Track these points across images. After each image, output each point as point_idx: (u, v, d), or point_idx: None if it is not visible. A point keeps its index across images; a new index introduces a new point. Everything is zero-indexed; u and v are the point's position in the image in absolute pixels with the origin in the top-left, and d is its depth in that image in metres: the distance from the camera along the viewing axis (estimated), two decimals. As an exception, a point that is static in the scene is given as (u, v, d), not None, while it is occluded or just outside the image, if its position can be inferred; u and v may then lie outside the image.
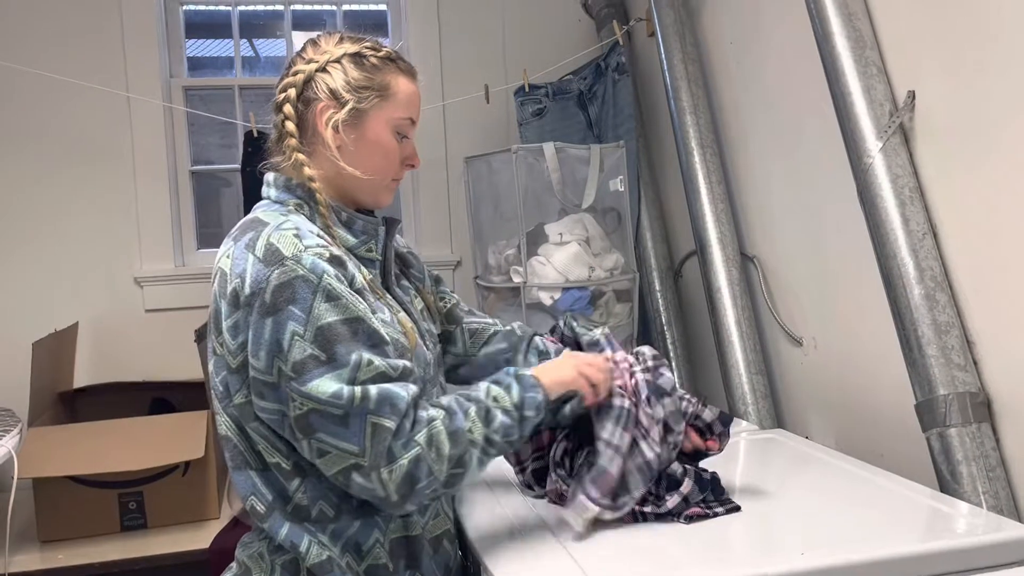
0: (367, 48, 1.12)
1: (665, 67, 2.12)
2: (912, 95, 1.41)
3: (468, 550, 1.18)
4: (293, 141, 1.10)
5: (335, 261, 1.03)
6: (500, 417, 1.06)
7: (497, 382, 1.09)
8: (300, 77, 1.11)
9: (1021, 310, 1.24)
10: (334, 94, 1.09)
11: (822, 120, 1.62)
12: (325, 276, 1.00)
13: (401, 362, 1.03)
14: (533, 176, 2.01)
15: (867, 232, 1.45)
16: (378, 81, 1.11)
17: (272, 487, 1.06)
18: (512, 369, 1.12)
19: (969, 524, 1.13)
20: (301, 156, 1.09)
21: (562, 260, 1.99)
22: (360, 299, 1.03)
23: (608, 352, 1.21)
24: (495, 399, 1.07)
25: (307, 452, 1.00)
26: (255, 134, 2.39)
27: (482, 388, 1.08)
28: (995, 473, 1.25)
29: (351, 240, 1.12)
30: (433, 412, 1.03)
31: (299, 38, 2.75)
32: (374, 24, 2.79)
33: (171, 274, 2.51)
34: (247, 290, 1.00)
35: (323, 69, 1.10)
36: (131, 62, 2.47)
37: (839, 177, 1.57)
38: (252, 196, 2.44)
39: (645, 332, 2.31)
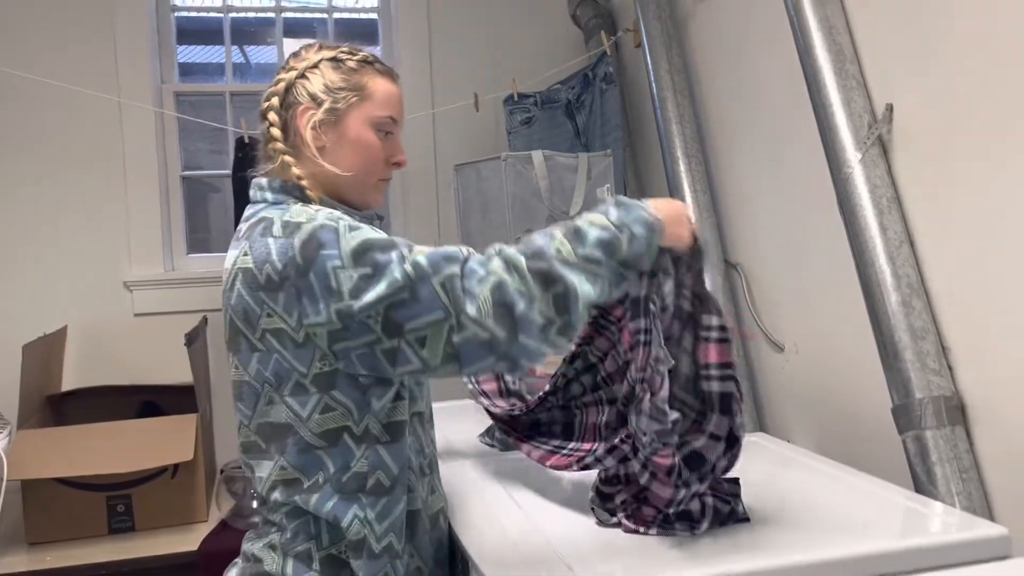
0: (343, 53, 1.18)
1: (652, 78, 2.16)
2: (890, 108, 1.45)
3: (455, 544, 1.21)
4: (279, 144, 1.15)
5: (349, 218, 1.07)
6: (595, 233, 1.03)
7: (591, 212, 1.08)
8: (282, 85, 1.17)
9: (994, 317, 1.28)
10: (313, 97, 1.15)
11: (804, 131, 1.66)
12: (342, 220, 1.05)
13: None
14: (521, 183, 2.03)
15: (847, 241, 1.49)
16: (355, 82, 1.16)
17: (334, 458, 1.07)
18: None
19: (943, 523, 1.16)
20: (288, 157, 1.14)
21: (549, 266, 2.02)
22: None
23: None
24: (588, 221, 1.05)
25: (412, 355, 1.00)
26: (246, 140, 2.41)
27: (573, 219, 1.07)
28: (968, 474, 1.28)
29: None
30: (505, 247, 1.04)
31: (290, 45, 2.77)
32: (365, 32, 2.82)
33: (161, 278, 2.52)
34: (279, 265, 1.03)
35: (302, 75, 1.16)
36: (123, 67, 2.49)
37: (820, 187, 1.61)
38: (242, 201, 2.46)
39: (631, 338, 2.33)
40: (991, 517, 1.26)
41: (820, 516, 1.18)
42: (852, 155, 1.45)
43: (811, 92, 1.54)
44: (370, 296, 0.98)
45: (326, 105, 1.14)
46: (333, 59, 1.16)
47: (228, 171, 2.54)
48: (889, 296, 1.39)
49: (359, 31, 2.84)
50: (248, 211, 1.16)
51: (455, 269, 1.00)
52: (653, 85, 2.16)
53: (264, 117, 1.17)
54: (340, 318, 1.00)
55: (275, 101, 1.16)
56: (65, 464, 1.90)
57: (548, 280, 0.99)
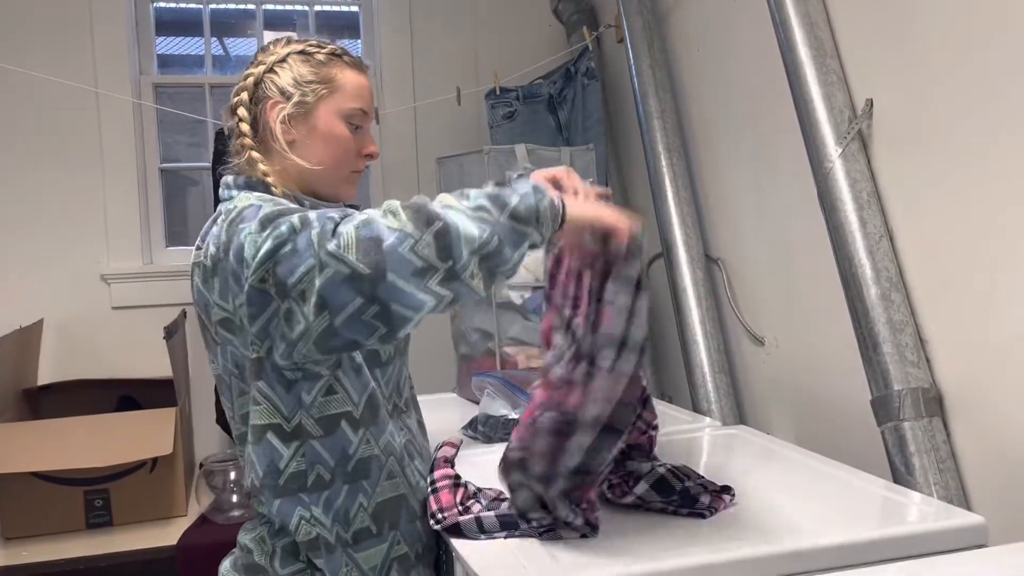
0: (312, 46, 1.18)
1: (633, 72, 2.17)
2: (870, 103, 1.47)
3: (443, 544, 1.21)
4: (247, 140, 1.15)
5: (286, 202, 1.07)
6: (480, 191, 0.95)
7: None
8: (250, 80, 1.16)
9: (971, 310, 1.30)
10: (282, 91, 1.14)
11: (785, 126, 1.68)
12: (272, 201, 1.04)
13: None
14: (504, 177, 2.03)
15: (827, 235, 1.50)
16: (324, 74, 1.16)
17: (265, 458, 1.07)
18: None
19: (921, 512, 1.17)
20: (254, 153, 1.14)
21: (532, 260, 2.02)
22: None
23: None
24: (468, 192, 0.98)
25: (299, 315, 0.91)
26: (226, 132, 2.39)
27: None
28: (946, 465, 1.30)
29: None
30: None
31: (270, 37, 2.74)
32: (346, 25, 2.81)
33: (139, 271, 2.50)
34: (212, 250, 1.05)
35: (271, 70, 1.16)
36: (100, 58, 2.46)
37: (801, 182, 1.63)
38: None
39: (612, 332, 2.34)
40: (968, 507, 1.28)
41: (800, 506, 1.20)
42: (832, 150, 1.47)
43: (792, 87, 1.55)
44: (260, 254, 0.93)
45: (295, 98, 1.14)
46: (301, 52, 1.16)
47: (207, 163, 2.51)
48: (868, 289, 1.40)
49: (341, 24, 2.83)
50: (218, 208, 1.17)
51: (334, 216, 0.93)
52: (635, 80, 2.16)
53: (234, 112, 1.17)
54: (250, 288, 0.96)
55: (244, 96, 1.16)
56: (42, 458, 1.88)
57: (427, 219, 0.90)
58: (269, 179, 1.13)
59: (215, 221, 1.08)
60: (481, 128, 2.66)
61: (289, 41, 1.19)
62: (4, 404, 2.04)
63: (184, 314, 2.43)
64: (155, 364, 2.28)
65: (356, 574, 1.11)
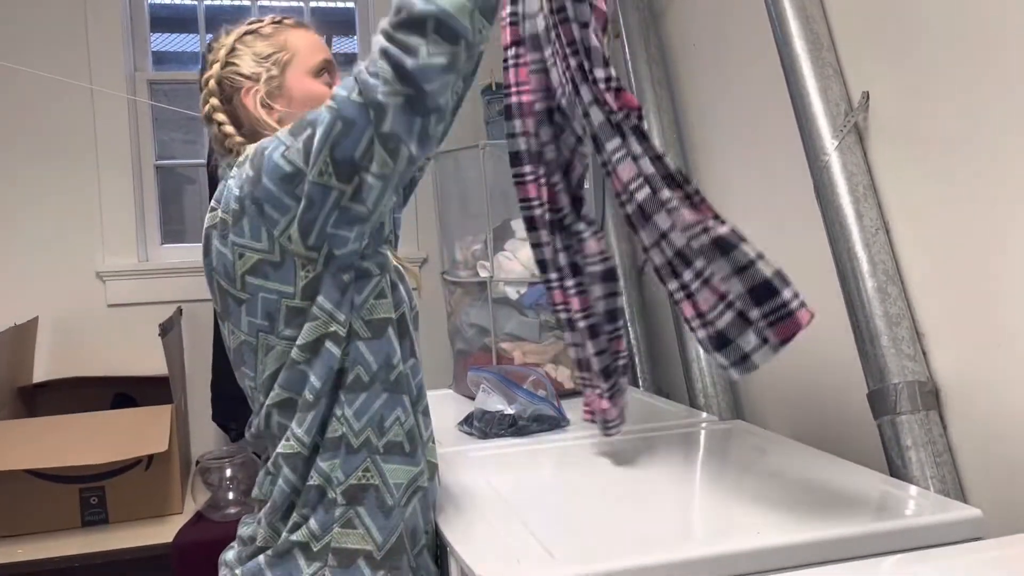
0: (253, 23, 1.19)
1: (630, 68, 2.16)
2: (866, 95, 1.46)
3: (436, 534, 1.20)
4: (237, 138, 1.14)
5: None
6: None
7: None
8: (212, 83, 1.16)
9: (968, 303, 1.30)
10: (248, 76, 1.15)
11: (781, 120, 1.67)
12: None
13: None
14: (500, 172, 2.03)
15: (823, 228, 1.50)
16: (278, 42, 1.17)
17: (315, 369, 1.07)
18: None
19: (918, 505, 1.17)
20: (248, 146, 1.13)
21: (528, 255, 2.01)
22: None
23: None
24: None
25: (373, 179, 1.00)
26: (210, 140, 2.38)
27: None
28: (942, 458, 1.30)
29: None
30: None
31: (266, 34, 2.74)
32: (341, 21, 2.80)
33: (134, 269, 2.49)
34: (236, 192, 1.05)
35: (227, 63, 1.15)
36: (95, 54, 2.45)
37: (797, 175, 1.62)
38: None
39: (609, 328, 2.34)
40: (964, 500, 1.28)
41: (796, 500, 1.19)
42: (829, 143, 1.46)
43: (788, 80, 1.55)
44: (313, 147, 0.99)
45: (264, 76, 1.14)
46: (247, 32, 1.17)
47: (203, 160, 2.51)
48: (865, 283, 1.40)
49: (336, 20, 2.82)
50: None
51: (359, 74, 0.99)
52: (631, 76, 2.16)
53: (210, 120, 1.16)
54: (303, 196, 1.00)
55: (214, 101, 1.15)
56: (37, 455, 1.88)
57: (418, 25, 0.96)
58: None
59: (226, 183, 1.08)
60: (477, 124, 2.65)
61: (228, 31, 1.19)
62: (0, 402, 2.03)
63: (180, 311, 2.42)
64: (151, 361, 2.27)
65: (376, 480, 1.09)
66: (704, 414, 1.79)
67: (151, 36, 2.62)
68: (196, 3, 2.66)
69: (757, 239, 1.86)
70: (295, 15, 1.23)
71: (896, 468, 1.33)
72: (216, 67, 1.15)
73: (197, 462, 2.12)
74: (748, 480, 1.31)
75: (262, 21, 1.18)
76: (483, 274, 2.04)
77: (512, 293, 2.01)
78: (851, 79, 1.50)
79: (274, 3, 2.75)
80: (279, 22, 1.19)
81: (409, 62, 0.95)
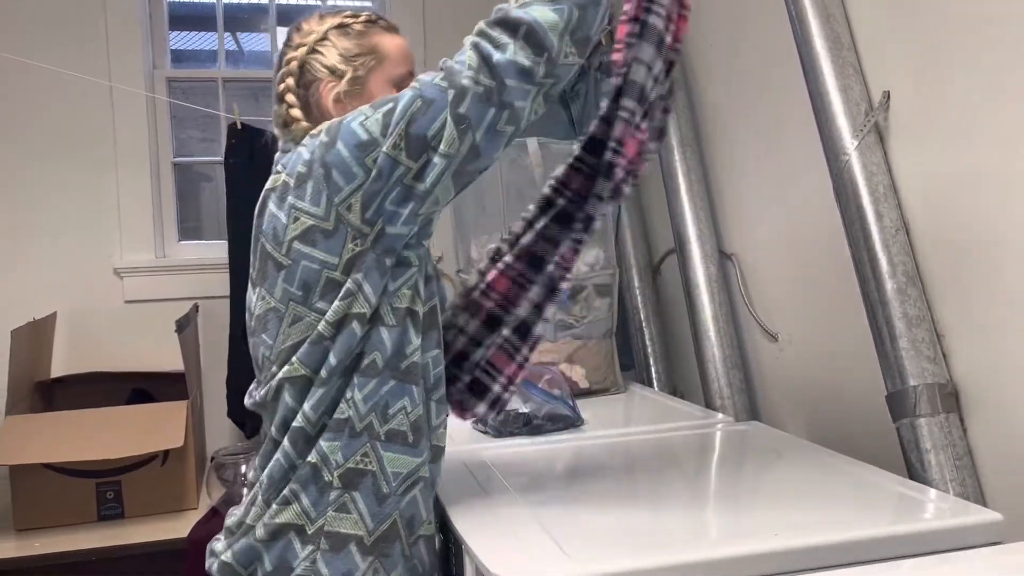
0: (348, 17, 1.18)
1: (647, 67, 2.15)
2: (887, 95, 1.45)
3: (450, 532, 1.20)
4: (303, 124, 1.14)
5: None
6: None
7: None
8: (294, 64, 1.16)
9: (989, 304, 1.28)
10: (332, 70, 1.15)
11: (800, 120, 1.66)
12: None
13: None
14: (516, 171, 2.03)
15: (842, 230, 1.48)
16: (368, 45, 1.16)
17: (337, 346, 1.08)
18: None
19: (937, 509, 1.16)
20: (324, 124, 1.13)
21: (543, 254, 2.01)
22: None
23: None
24: None
25: (439, 158, 1.04)
26: (239, 126, 2.39)
27: None
28: (962, 461, 1.28)
29: None
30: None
31: (283, 33, 2.75)
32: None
33: (151, 265, 2.50)
34: (307, 156, 1.07)
35: (313, 50, 1.15)
36: (114, 52, 2.47)
37: (816, 176, 1.61)
38: (235, 188, 2.45)
39: (624, 328, 2.33)
40: (984, 503, 1.26)
41: (813, 502, 1.18)
42: (848, 143, 1.45)
43: (808, 80, 1.54)
44: (393, 119, 1.03)
45: (348, 75, 1.14)
46: (340, 26, 1.16)
47: (220, 158, 2.52)
48: (884, 284, 1.39)
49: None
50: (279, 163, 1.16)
51: (445, 63, 1.07)
52: (649, 74, 2.15)
53: (281, 99, 1.16)
54: (373, 167, 1.03)
55: (291, 81, 1.15)
56: (54, 450, 1.89)
57: (511, 26, 1.05)
58: None
59: (292, 153, 1.10)
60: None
61: (322, 17, 1.18)
62: (18, 396, 2.05)
63: (196, 308, 2.43)
64: (167, 358, 2.28)
65: (373, 466, 1.09)
66: (720, 415, 1.78)
67: (170, 34, 2.63)
68: (215, 1, 2.68)
69: (775, 242, 1.86)
70: (385, 18, 1.23)
71: (915, 471, 1.31)
72: (302, 51, 1.15)
73: (212, 458, 2.13)
74: (765, 482, 1.30)
75: (357, 17, 1.18)
76: (498, 273, 2.04)
77: (527, 292, 2.01)
78: (871, 78, 1.49)
79: (291, 1, 2.76)
80: (373, 22, 1.19)
81: (496, 55, 1.03)
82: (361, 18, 1.18)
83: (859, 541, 1.05)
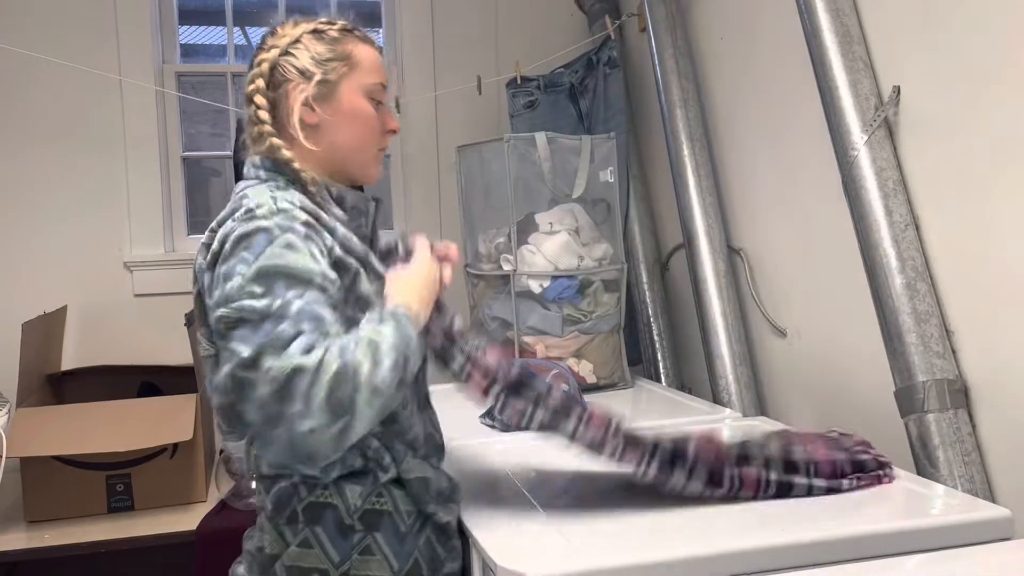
0: (323, 23, 1.16)
1: (656, 61, 2.15)
2: (897, 90, 1.44)
3: (459, 530, 1.20)
4: (267, 127, 1.11)
5: (310, 226, 1.03)
6: (383, 343, 0.98)
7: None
8: (265, 66, 1.12)
9: (999, 300, 1.28)
10: (302, 72, 1.11)
11: (809, 114, 1.65)
12: (290, 233, 1.00)
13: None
14: (524, 166, 2.02)
15: (851, 225, 1.48)
16: (340, 51, 1.14)
17: None
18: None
19: (945, 505, 1.16)
20: (275, 140, 1.10)
21: (552, 249, 2.01)
22: (321, 265, 1.02)
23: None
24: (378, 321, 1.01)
25: (216, 371, 1.00)
26: (242, 121, 2.40)
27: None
28: (971, 458, 1.28)
29: (342, 216, 1.13)
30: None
31: (292, 27, 2.75)
32: (368, 14, 2.80)
33: (161, 259, 2.51)
34: (216, 247, 1.02)
35: (286, 52, 1.12)
36: (124, 46, 2.47)
37: (825, 171, 1.61)
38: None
39: (632, 323, 2.33)
40: (993, 500, 1.26)
41: (821, 497, 1.18)
42: (858, 137, 1.44)
43: (817, 74, 1.53)
44: (234, 305, 0.96)
45: (317, 77, 1.11)
46: (314, 31, 1.14)
47: (229, 152, 2.52)
48: (893, 279, 1.38)
49: (362, 13, 2.82)
50: (239, 186, 1.14)
51: (305, 327, 0.95)
52: (657, 69, 2.15)
53: (251, 101, 1.13)
54: (215, 320, 0.98)
55: (260, 83, 1.12)
56: (64, 442, 1.90)
57: (339, 407, 0.93)
58: (295, 164, 1.10)
59: (234, 212, 1.04)
60: (502, 117, 2.65)
61: (297, 22, 1.16)
62: (28, 389, 2.06)
63: (205, 302, 2.44)
64: (176, 351, 2.29)
65: (388, 506, 1.10)
66: (727, 410, 1.78)
67: (179, 28, 2.64)
68: (224, -4, 2.68)
69: (783, 237, 1.85)
70: (389, 45, 1.21)
71: (923, 467, 1.31)
72: (274, 52, 1.13)
73: (221, 451, 2.14)
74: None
75: (333, 24, 1.16)
76: (506, 267, 2.04)
77: (535, 287, 2.01)
78: (881, 73, 1.48)
79: (300, -4, 2.76)
80: (349, 31, 1.17)
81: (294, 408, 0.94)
82: (336, 25, 1.16)
83: (866, 536, 1.05)
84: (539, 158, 2.02)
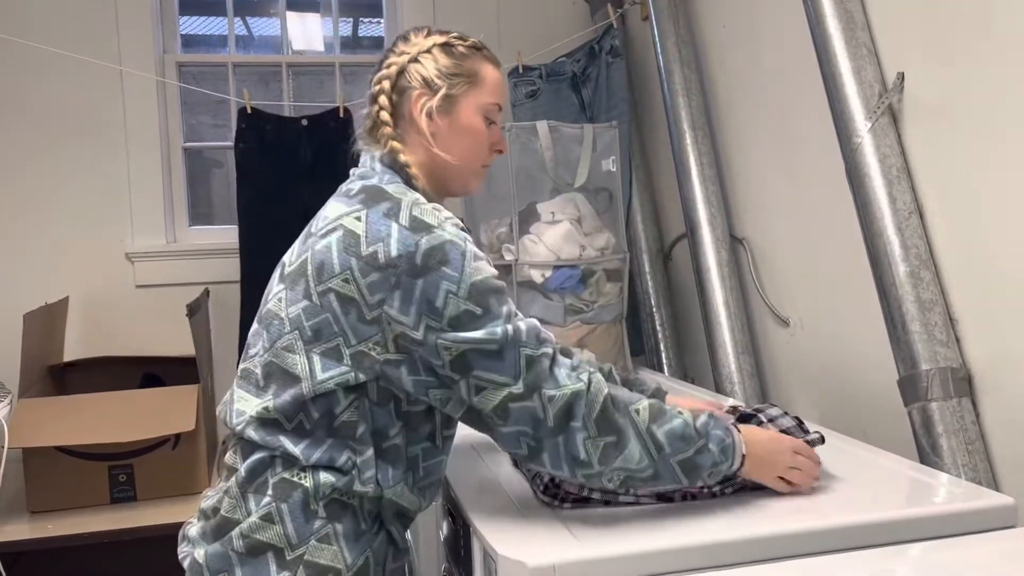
0: (454, 38, 1.19)
1: (658, 50, 2.14)
2: (901, 76, 1.43)
3: (458, 515, 1.20)
4: (388, 130, 1.15)
5: (468, 231, 1.10)
6: (674, 422, 1.07)
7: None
8: (394, 69, 1.17)
9: (1003, 288, 1.27)
10: (427, 82, 1.15)
11: (813, 102, 1.64)
12: (468, 242, 1.06)
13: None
14: (526, 155, 2.01)
15: (854, 213, 1.47)
16: (467, 68, 1.17)
17: (318, 405, 1.06)
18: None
19: (949, 493, 1.15)
20: (396, 144, 1.15)
21: (554, 239, 2.00)
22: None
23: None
24: (678, 410, 1.10)
25: (464, 391, 1.05)
26: (249, 111, 2.39)
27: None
28: (974, 446, 1.27)
29: None
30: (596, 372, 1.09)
31: (293, 18, 2.74)
32: (370, 4, 2.79)
33: (162, 250, 2.51)
34: (394, 253, 1.02)
35: (415, 60, 1.16)
36: (125, 37, 2.47)
37: (828, 159, 1.60)
38: (245, 172, 2.46)
39: (634, 313, 2.33)
40: (997, 488, 1.26)
41: (824, 485, 1.18)
42: (862, 125, 1.43)
43: (821, 62, 1.52)
44: (464, 335, 1.02)
45: (442, 91, 1.15)
46: (445, 44, 1.17)
47: (230, 143, 2.52)
48: (897, 267, 1.38)
49: (363, 4, 2.81)
50: (358, 171, 1.16)
51: (547, 350, 1.05)
52: (660, 57, 2.13)
53: (375, 100, 1.17)
54: (425, 333, 1.02)
55: (386, 84, 1.16)
56: (67, 433, 1.90)
57: (612, 430, 1.04)
58: (412, 170, 1.13)
59: (393, 213, 1.05)
60: (504, 106, 2.64)
61: (430, 32, 1.19)
62: (31, 380, 2.06)
63: (207, 292, 2.44)
64: (178, 342, 2.29)
65: (354, 501, 1.09)
66: (730, 400, 1.77)
67: (180, 19, 2.63)
68: (224, -14, 2.67)
69: (786, 226, 1.84)
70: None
71: (926, 456, 1.30)
72: (404, 58, 1.16)
73: (223, 442, 2.14)
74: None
75: (464, 40, 1.19)
76: (508, 257, 2.03)
77: (537, 276, 2.00)
78: (885, 60, 1.47)
79: (301, -14, 2.75)
80: (479, 49, 1.19)
81: (575, 424, 1.04)
82: (468, 42, 1.19)
83: (870, 524, 1.04)
84: (541, 147, 2.01)
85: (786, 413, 1.25)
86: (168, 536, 1.86)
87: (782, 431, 1.20)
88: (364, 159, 1.18)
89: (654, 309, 2.32)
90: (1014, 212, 1.24)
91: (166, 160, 2.55)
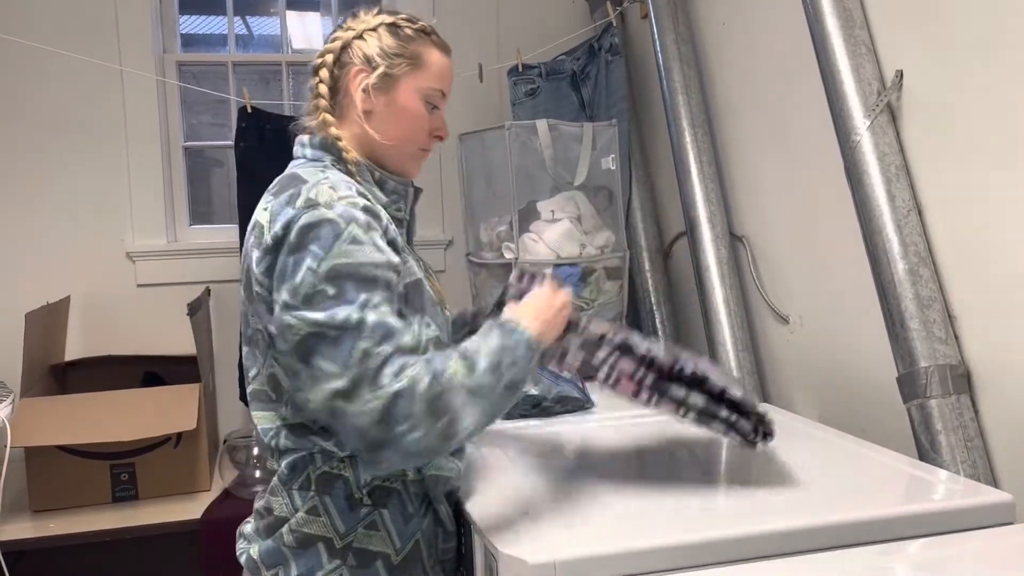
0: (403, 19, 1.19)
1: (658, 48, 2.14)
2: (900, 74, 1.43)
3: (459, 512, 1.21)
4: (323, 102, 1.16)
5: (368, 211, 1.05)
6: (479, 361, 1.02)
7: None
8: (337, 44, 1.17)
9: (1002, 285, 1.27)
10: (368, 60, 1.15)
11: (812, 100, 1.65)
12: (353, 224, 1.02)
13: (417, 335, 1.07)
14: (526, 153, 2.02)
15: (853, 211, 1.47)
16: (411, 50, 1.17)
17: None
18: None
19: (948, 490, 1.15)
20: (328, 116, 1.16)
21: (553, 237, 2.01)
22: (387, 253, 1.04)
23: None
24: (476, 340, 1.06)
25: (304, 383, 1.01)
26: (249, 110, 2.39)
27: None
28: (973, 443, 1.28)
29: (383, 199, 1.17)
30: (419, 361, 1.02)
31: (293, 17, 2.74)
32: (368, 2, 2.79)
33: (163, 249, 2.51)
34: (279, 232, 1.03)
35: (360, 36, 1.17)
36: (124, 36, 2.47)
37: (827, 157, 1.60)
38: (246, 171, 2.45)
39: (634, 310, 2.33)
40: (996, 485, 1.26)
41: (824, 483, 1.18)
42: (860, 122, 1.44)
43: (819, 59, 1.52)
44: (308, 314, 0.98)
45: (380, 70, 1.15)
46: (392, 25, 1.17)
47: (230, 143, 2.52)
48: (896, 265, 1.38)
49: (364, 3, 2.80)
50: (290, 166, 1.17)
51: (386, 349, 0.98)
52: (659, 55, 2.14)
53: (315, 73, 1.18)
54: (281, 311, 1.01)
55: (329, 59, 1.17)
56: (69, 432, 1.91)
57: (439, 411, 0.97)
58: (341, 143, 1.14)
59: (294, 198, 1.04)
60: (503, 105, 2.64)
61: (381, 11, 1.20)
62: (32, 379, 2.06)
63: (208, 291, 2.44)
64: (179, 341, 2.29)
65: (398, 484, 1.11)
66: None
67: (180, 18, 2.63)
68: (224, -15, 2.67)
69: (786, 224, 1.85)
70: (438, 33, 1.22)
71: (925, 453, 1.31)
72: (350, 34, 1.17)
73: (225, 440, 2.14)
74: (774, 462, 1.30)
75: (412, 22, 1.19)
76: (508, 256, 2.04)
77: (537, 275, 2.01)
78: (884, 57, 1.47)
79: (301, -16, 2.75)
80: (427, 33, 1.19)
81: (400, 428, 0.97)
82: (416, 25, 1.19)
83: (868, 521, 1.05)
84: (540, 146, 2.01)
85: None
86: (170, 535, 1.87)
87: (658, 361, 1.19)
88: (296, 147, 1.18)
89: (654, 307, 2.33)
90: (1013, 209, 1.24)
91: (166, 159, 2.56)
